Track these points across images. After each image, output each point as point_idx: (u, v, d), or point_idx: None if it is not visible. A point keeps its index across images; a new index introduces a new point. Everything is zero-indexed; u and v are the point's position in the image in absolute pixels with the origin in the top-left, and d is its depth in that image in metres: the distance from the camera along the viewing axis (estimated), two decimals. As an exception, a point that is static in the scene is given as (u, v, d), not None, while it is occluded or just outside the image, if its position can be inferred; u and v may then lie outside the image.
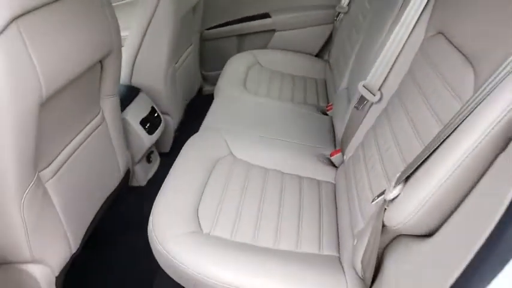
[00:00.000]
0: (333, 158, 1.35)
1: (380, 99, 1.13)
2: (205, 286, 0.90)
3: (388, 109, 1.06)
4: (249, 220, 1.06)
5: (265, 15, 2.14)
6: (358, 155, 1.16)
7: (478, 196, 0.59)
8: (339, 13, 1.94)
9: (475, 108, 0.58)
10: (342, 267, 0.96)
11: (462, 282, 0.54)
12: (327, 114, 1.67)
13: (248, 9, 2.14)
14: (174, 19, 1.50)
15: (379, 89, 1.12)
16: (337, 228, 1.11)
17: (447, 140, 0.62)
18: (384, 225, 0.76)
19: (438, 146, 0.64)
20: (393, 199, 0.71)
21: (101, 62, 1.14)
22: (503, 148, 0.56)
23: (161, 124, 1.62)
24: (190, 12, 1.75)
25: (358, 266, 0.87)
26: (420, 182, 0.65)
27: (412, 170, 0.68)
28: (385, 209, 0.74)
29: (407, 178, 0.70)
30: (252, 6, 2.14)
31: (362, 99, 1.18)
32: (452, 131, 0.61)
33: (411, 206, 0.65)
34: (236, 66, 1.89)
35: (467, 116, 0.59)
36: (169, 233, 0.97)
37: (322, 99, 1.81)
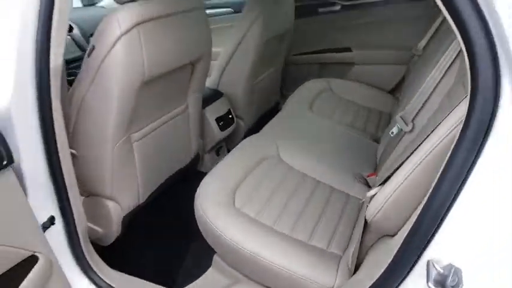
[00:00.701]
0: (368, 179, 1.49)
1: (411, 130, 1.25)
2: (224, 243, 1.14)
3: (413, 141, 1.19)
4: (275, 208, 1.26)
5: (347, 49, 2.36)
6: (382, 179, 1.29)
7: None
8: (414, 55, 2.06)
9: (434, 128, 0.73)
10: (339, 263, 1.10)
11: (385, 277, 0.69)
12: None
13: (332, 43, 2.38)
14: (259, 44, 1.82)
15: (412, 121, 1.25)
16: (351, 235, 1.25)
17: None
18: (366, 221, 0.91)
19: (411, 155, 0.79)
20: (373, 196, 0.87)
21: (193, 65, 1.48)
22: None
23: (233, 124, 1.94)
24: (277, 40, 2.06)
25: (350, 260, 1.02)
26: (389, 181, 0.80)
27: (391, 172, 0.83)
28: (367, 206, 0.89)
29: (388, 179, 0.85)
30: (336, 40, 2.37)
31: (398, 128, 1.31)
32: (419, 145, 0.77)
33: (379, 200, 0.81)
34: (309, 89, 2.13)
35: (427, 136, 0.74)
36: (209, 200, 1.23)
37: (381, 130, 1.93)
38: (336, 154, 1.62)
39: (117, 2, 1.16)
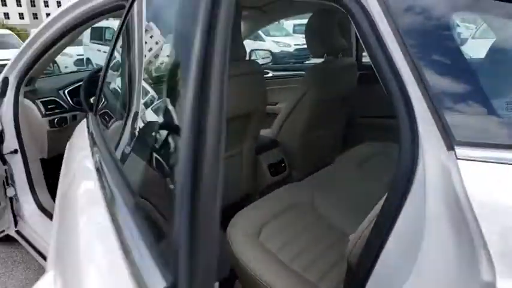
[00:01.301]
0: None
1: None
2: (242, 269, 1.32)
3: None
4: (295, 248, 1.41)
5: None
6: None
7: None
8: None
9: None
10: None
11: None
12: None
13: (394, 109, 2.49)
14: (314, 104, 2.06)
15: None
16: None
17: None
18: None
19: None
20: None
21: (248, 117, 1.78)
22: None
23: (285, 172, 2.15)
24: (337, 102, 2.26)
25: None
26: (362, 223, 0.94)
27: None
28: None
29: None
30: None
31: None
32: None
33: (351, 242, 0.94)
34: (363, 149, 2.25)
35: None
36: (237, 228, 1.45)
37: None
38: (369, 212, 1.70)
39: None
